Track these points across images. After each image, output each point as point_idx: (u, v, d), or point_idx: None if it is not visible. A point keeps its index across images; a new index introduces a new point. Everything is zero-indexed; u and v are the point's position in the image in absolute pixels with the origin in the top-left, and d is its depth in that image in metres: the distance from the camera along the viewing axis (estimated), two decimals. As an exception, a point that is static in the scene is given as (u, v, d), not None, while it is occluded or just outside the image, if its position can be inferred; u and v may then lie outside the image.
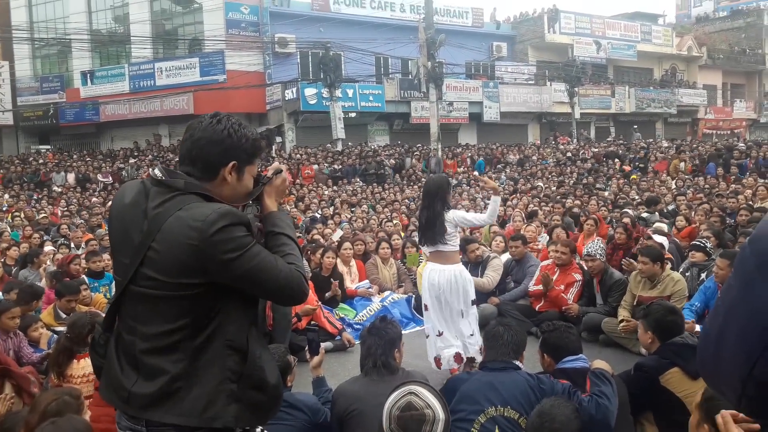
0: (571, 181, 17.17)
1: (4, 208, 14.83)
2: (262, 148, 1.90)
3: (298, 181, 18.17)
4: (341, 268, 7.17)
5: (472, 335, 4.66)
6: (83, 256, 7.34)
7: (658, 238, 6.97)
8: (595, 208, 10.29)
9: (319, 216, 12.76)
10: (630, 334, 5.18)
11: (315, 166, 19.70)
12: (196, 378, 1.69)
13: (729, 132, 34.65)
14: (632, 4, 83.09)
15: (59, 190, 18.29)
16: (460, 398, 2.88)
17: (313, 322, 5.95)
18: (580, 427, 2.63)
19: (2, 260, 7.63)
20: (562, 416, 2.58)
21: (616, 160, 20.89)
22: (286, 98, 23.50)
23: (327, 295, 6.59)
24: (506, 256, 6.99)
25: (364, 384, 3.08)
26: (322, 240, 8.83)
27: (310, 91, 22.88)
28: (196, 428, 1.69)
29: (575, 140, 27.33)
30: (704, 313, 5.03)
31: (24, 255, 7.78)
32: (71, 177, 19.50)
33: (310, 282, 5.90)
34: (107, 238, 6.51)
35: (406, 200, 15.12)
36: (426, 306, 4.81)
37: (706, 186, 13.89)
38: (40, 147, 25.75)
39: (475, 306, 4.82)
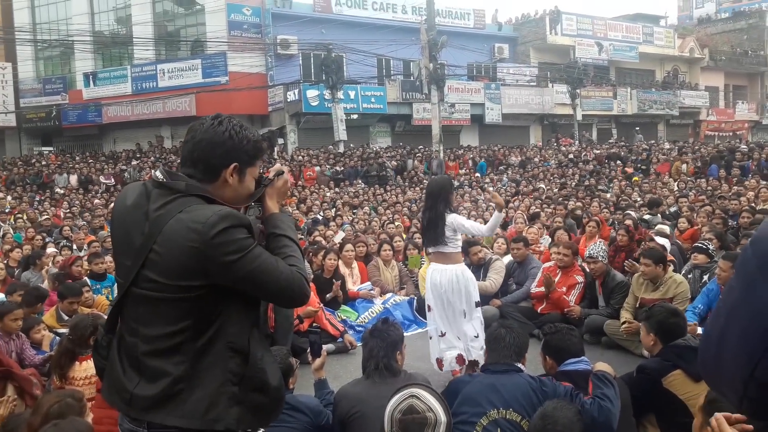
0: (573, 183, 17.15)
1: (7, 210, 14.84)
2: (263, 149, 1.90)
3: (299, 182, 18.16)
4: (343, 269, 7.17)
5: (476, 337, 4.65)
6: (85, 258, 7.36)
7: (661, 240, 6.97)
8: (597, 210, 10.27)
9: (320, 218, 12.75)
10: (632, 336, 5.17)
11: (317, 168, 19.69)
12: (198, 380, 1.69)
13: (731, 134, 34.57)
14: (634, 6, 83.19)
15: (62, 191, 18.31)
16: (462, 401, 2.87)
17: (315, 324, 5.95)
18: (583, 430, 2.62)
19: (5, 262, 7.63)
20: (565, 419, 2.58)
21: (618, 161, 20.87)
22: (288, 100, 23.51)
23: (328, 296, 6.58)
24: (508, 258, 6.97)
25: (366, 386, 3.08)
26: (323, 242, 8.82)
27: (312, 93, 22.90)
28: (198, 430, 1.69)
29: (577, 142, 27.30)
30: (707, 315, 5.02)
31: (27, 257, 7.78)
32: (74, 179, 19.53)
33: (311, 284, 5.93)
34: (109, 240, 6.49)
35: (408, 202, 15.05)
36: (429, 306, 4.82)
37: (709, 188, 13.82)
38: (43, 149, 25.83)
39: (479, 309, 4.82)
